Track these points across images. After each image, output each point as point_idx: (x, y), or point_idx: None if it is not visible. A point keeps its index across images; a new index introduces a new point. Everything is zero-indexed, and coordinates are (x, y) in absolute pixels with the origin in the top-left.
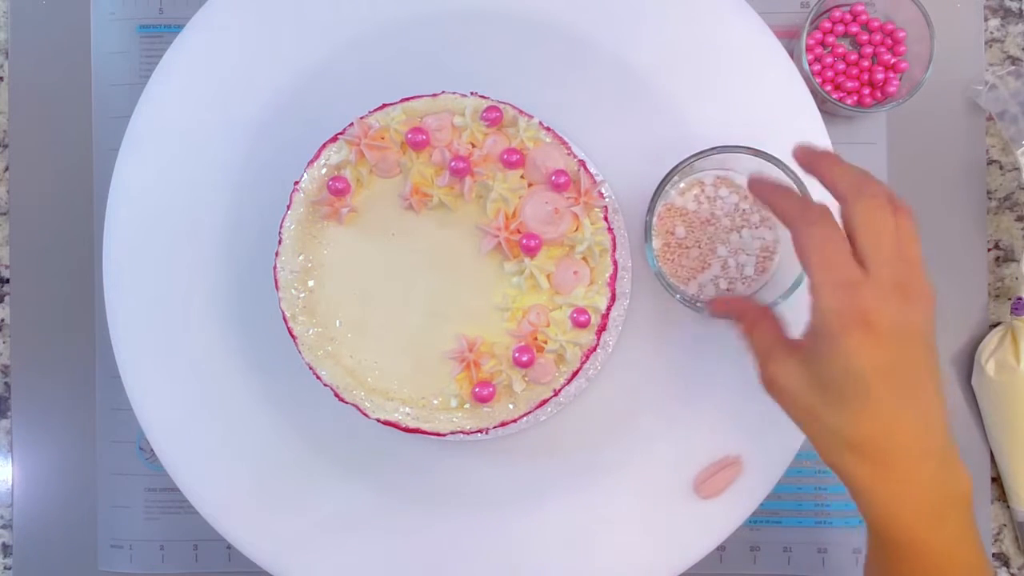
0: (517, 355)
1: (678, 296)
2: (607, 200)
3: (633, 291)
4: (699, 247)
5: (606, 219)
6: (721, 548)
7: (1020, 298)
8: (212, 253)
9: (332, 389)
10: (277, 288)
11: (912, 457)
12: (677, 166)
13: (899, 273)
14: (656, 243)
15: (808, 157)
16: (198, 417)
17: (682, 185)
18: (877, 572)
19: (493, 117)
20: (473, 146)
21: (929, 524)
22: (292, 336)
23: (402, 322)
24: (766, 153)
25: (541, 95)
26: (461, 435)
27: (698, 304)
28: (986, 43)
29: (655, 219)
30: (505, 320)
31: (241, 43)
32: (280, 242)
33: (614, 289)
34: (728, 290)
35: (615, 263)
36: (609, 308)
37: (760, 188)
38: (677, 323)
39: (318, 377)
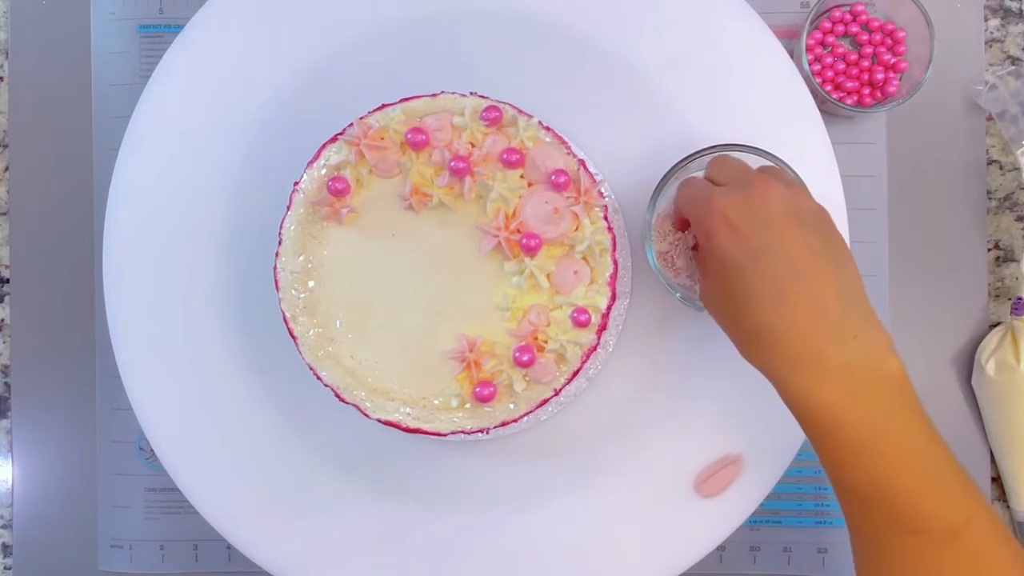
0: (518, 355)
1: (678, 295)
2: (607, 199)
3: (633, 290)
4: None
5: (606, 218)
6: (721, 548)
7: (1020, 298)
8: (212, 253)
9: (333, 389)
10: (277, 289)
11: (806, 338)
12: (677, 165)
13: (748, 179)
14: (656, 242)
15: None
16: (198, 417)
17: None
18: (824, 464)
19: (493, 117)
20: (473, 146)
21: (842, 402)
22: (292, 336)
23: (402, 322)
24: (765, 151)
25: (540, 95)
26: (462, 435)
27: (699, 303)
28: (986, 43)
29: (655, 218)
30: (505, 320)
31: (241, 43)
32: (280, 243)
33: (614, 288)
34: None
35: (615, 262)
36: (609, 307)
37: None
38: (677, 322)
39: (318, 378)
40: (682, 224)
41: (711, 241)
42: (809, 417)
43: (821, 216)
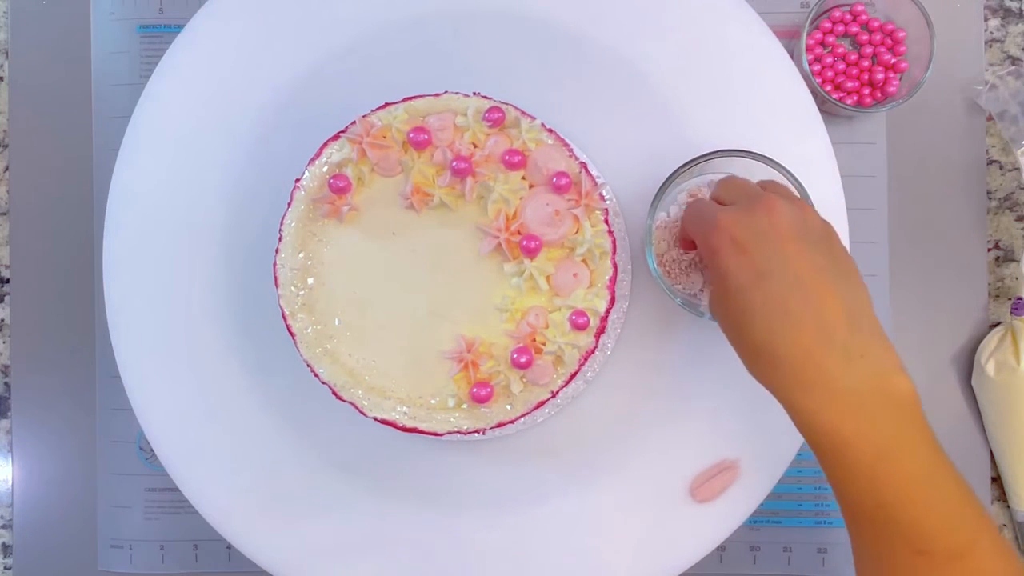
0: (515, 356)
1: (678, 300)
2: (608, 202)
3: (633, 294)
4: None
5: (607, 221)
6: (721, 548)
7: (1020, 298)
8: (212, 252)
9: (330, 387)
10: (277, 285)
11: (811, 359)
12: (678, 169)
13: (753, 197)
14: (657, 247)
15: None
16: (198, 417)
17: (682, 190)
18: (831, 483)
19: (495, 118)
20: (475, 146)
21: (849, 423)
22: (291, 333)
23: (401, 321)
24: (766, 157)
25: (543, 96)
26: (458, 435)
27: (699, 309)
28: (986, 43)
29: (656, 223)
30: (504, 321)
31: (241, 42)
32: (280, 239)
33: (613, 292)
34: None
35: (615, 266)
36: (608, 311)
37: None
38: (676, 327)
39: (316, 375)
40: (687, 244)
41: (716, 260)
42: (816, 438)
43: (827, 234)
